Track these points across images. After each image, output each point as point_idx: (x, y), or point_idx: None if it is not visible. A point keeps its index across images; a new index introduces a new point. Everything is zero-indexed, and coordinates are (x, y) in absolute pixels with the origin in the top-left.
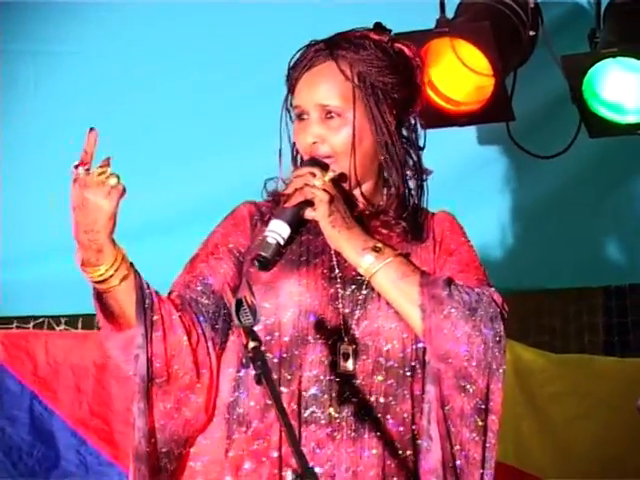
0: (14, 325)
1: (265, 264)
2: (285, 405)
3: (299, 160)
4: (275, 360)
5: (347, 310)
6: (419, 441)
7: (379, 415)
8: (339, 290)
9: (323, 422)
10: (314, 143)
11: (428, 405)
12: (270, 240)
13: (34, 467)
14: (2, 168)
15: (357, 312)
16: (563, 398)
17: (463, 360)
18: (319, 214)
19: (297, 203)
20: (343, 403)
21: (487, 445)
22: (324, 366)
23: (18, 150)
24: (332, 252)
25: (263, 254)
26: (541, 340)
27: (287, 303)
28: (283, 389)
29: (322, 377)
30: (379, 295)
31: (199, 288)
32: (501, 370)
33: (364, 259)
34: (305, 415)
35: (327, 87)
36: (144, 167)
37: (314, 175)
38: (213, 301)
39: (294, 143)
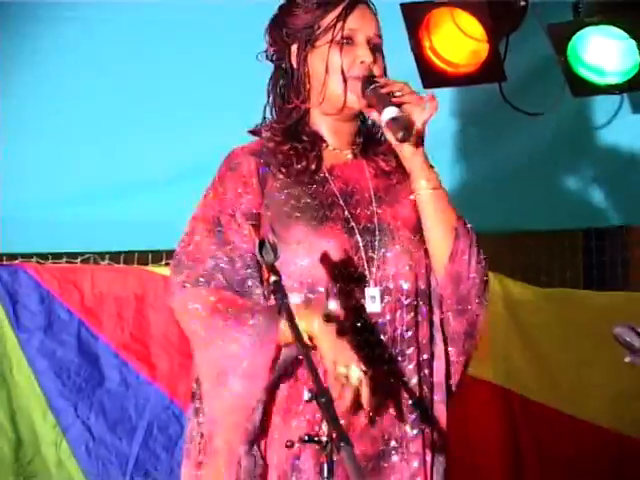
0: (64, 260)
1: (409, 132)
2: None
3: (339, 73)
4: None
5: (367, 257)
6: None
7: (405, 347)
8: (358, 239)
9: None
10: (371, 63)
11: (433, 330)
12: (400, 117)
13: (81, 385)
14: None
15: (376, 258)
16: (548, 326)
17: (468, 284)
18: (423, 118)
19: (399, 101)
20: (374, 341)
21: (465, 366)
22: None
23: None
24: (341, 203)
25: (406, 124)
26: (528, 276)
27: (321, 258)
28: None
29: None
30: (391, 240)
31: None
32: (485, 303)
33: (423, 178)
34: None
35: (375, 25)
36: (145, 124)
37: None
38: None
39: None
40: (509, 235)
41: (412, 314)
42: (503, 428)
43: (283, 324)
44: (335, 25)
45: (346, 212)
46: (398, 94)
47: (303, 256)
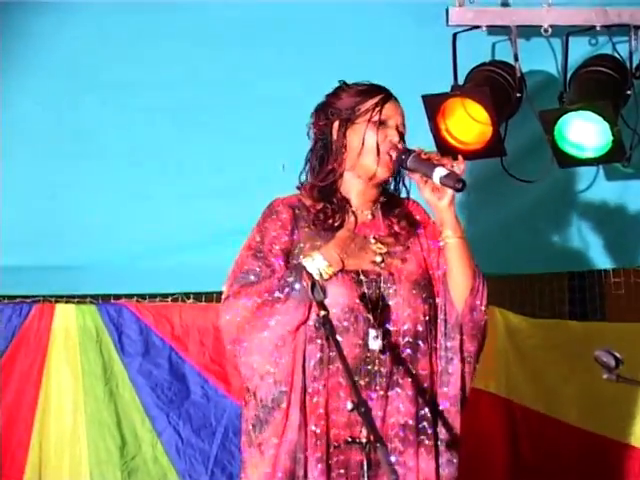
0: (157, 299)
1: (464, 182)
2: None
3: (373, 147)
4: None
5: (372, 305)
6: (444, 378)
7: (399, 378)
8: (365, 290)
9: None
10: (398, 142)
11: (450, 352)
12: (452, 173)
13: (172, 398)
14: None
15: (380, 306)
16: (541, 349)
17: (481, 314)
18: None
19: (438, 163)
20: (376, 372)
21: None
22: (360, 347)
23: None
24: None
25: (461, 179)
26: (524, 310)
27: (333, 302)
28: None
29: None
30: (394, 291)
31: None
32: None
33: (452, 229)
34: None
35: (402, 116)
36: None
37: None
38: None
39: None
40: (509, 277)
41: (409, 351)
42: (505, 431)
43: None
44: (374, 109)
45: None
46: (436, 159)
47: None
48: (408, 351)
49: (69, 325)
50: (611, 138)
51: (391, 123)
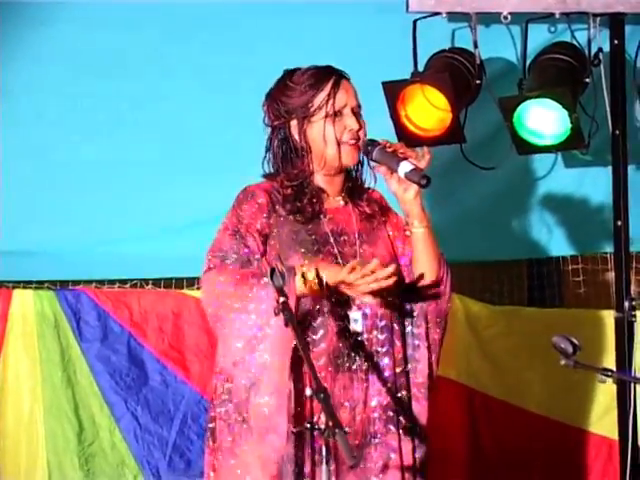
0: (116, 285)
1: (429, 178)
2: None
3: (334, 141)
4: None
5: None
6: (408, 366)
7: (379, 360)
8: None
9: (346, 369)
10: (357, 129)
11: (416, 339)
12: (417, 168)
13: (130, 384)
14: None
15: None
16: (500, 336)
17: (445, 300)
18: (422, 167)
19: (403, 156)
20: (356, 354)
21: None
22: (341, 329)
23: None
24: (332, 241)
25: (425, 174)
26: (484, 296)
27: None
28: (314, 349)
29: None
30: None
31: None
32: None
33: (418, 219)
34: (337, 365)
35: (355, 95)
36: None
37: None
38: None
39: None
40: (469, 264)
41: (386, 334)
42: (465, 418)
43: (297, 279)
44: (327, 103)
45: (335, 249)
46: (401, 151)
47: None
48: (386, 334)
49: (27, 311)
50: (570, 125)
51: (347, 111)
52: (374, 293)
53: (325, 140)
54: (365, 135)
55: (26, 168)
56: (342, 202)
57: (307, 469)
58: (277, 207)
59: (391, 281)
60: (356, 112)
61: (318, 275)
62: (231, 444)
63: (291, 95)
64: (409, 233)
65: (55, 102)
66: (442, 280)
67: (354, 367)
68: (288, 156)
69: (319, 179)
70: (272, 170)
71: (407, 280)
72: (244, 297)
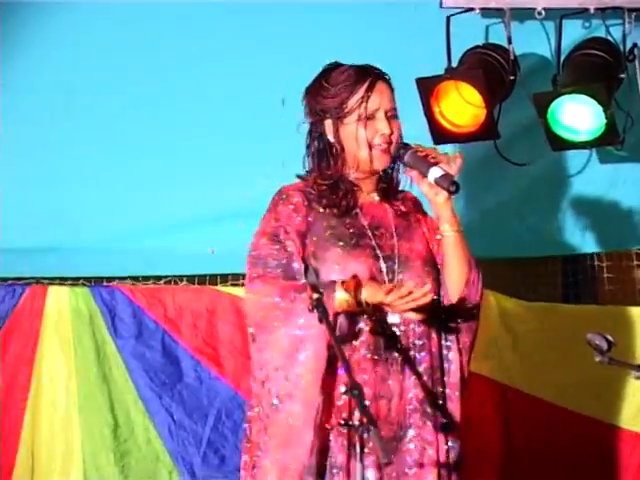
0: (151, 282)
1: (458, 186)
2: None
3: (365, 144)
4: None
5: (388, 279)
6: (444, 364)
7: (416, 353)
8: (382, 265)
9: (384, 361)
10: (389, 133)
11: (447, 341)
12: (447, 175)
13: (165, 380)
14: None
15: (395, 280)
16: (534, 333)
17: (475, 304)
18: (453, 173)
19: (435, 161)
20: (393, 346)
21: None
22: (379, 322)
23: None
24: (369, 234)
25: (454, 180)
26: (518, 293)
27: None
28: (355, 342)
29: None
30: (407, 267)
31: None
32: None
33: (449, 224)
34: (375, 358)
35: (390, 98)
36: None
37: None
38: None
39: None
40: (503, 261)
41: (423, 327)
42: (498, 414)
43: (337, 295)
44: (360, 106)
45: (373, 242)
46: (432, 156)
47: (338, 273)
48: (422, 327)
49: (62, 307)
50: (604, 121)
51: (380, 115)
52: (414, 309)
53: (357, 143)
54: (400, 138)
55: (52, 164)
56: (377, 197)
57: (341, 460)
58: (313, 204)
59: (429, 298)
60: (390, 116)
61: (356, 293)
62: (263, 445)
63: (326, 95)
64: (439, 237)
65: (55, 101)
66: (472, 284)
67: (391, 359)
68: (323, 154)
69: (353, 178)
70: (309, 166)
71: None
72: (288, 310)
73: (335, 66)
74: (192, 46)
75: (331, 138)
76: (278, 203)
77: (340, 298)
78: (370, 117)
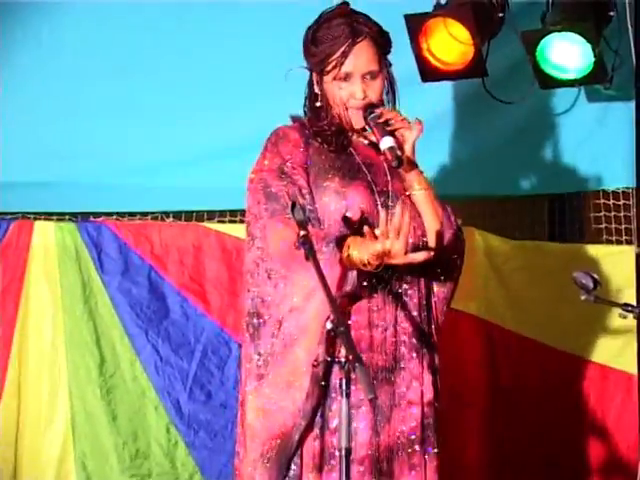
0: (137, 218)
1: (401, 161)
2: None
3: (341, 104)
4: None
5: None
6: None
7: (408, 287)
8: (377, 197)
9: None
10: (363, 97)
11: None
12: (395, 147)
13: (151, 316)
14: None
15: (389, 214)
16: (520, 271)
17: (450, 256)
18: (411, 139)
19: (392, 129)
20: (388, 278)
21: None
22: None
23: None
24: (364, 170)
25: (398, 154)
26: (504, 232)
27: (352, 204)
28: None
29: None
30: (399, 203)
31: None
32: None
33: (416, 182)
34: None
35: (369, 58)
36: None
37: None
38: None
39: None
40: (489, 199)
41: (412, 268)
42: (484, 351)
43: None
44: (334, 68)
45: (368, 177)
46: (392, 122)
47: (338, 201)
48: (411, 267)
49: (48, 243)
50: (593, 59)
51: (356, 77)
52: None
53: (334, 102)
54: (377, 100)
55: (44, 98)
56: (366, 141)
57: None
58: (310, 140)
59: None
60: (369, 75)
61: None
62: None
63: (312, 48)
64: (409, 194)
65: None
66: (440, 238)
67: (386, 290)
68: (312, 103)
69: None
70: (304, 110)
71: None
72: (301, 259)
73: (334, 14)
74: None
75: (317, 90)
76: (277, 142)
77: (355, 257)
78: (346, 78)
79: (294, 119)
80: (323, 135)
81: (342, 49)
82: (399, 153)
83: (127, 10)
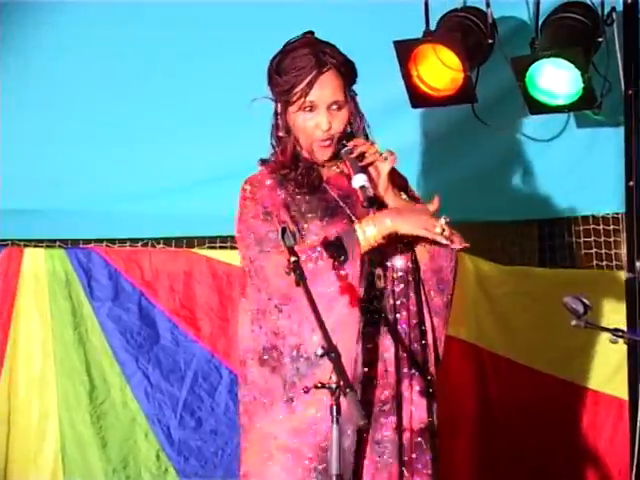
0: (127, 244)
1: (374, 201)
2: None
3: (307, 136)
4: None
5: None
6: (423, 327)
7: (400, 313)
8: None
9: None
10: (328, 128)
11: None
12: (366, 187)
13: (141, 343)
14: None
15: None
16: (510, 296)
17: (448, 273)
18: (385, 171)
19: (366, 164)
20: (381, 310)
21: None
22: (367, 282)
23: None
24: (342, 205)
25: (369, 196)
26: (495, 257)
27: None
28: None
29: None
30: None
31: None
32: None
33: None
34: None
35: (334, 89)
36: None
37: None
38: None
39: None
40: (480, 224)
41: (402, 286)
42: (474, 376)
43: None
44: (299, 99)
45: (348, 211)
46: (365, 155)
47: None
48: (401, 286)
49: (38, 269)
50: (582, 85)
51: (321, 107)
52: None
53: (300, 133)
54: (342, 131)
55: (33, 124)
56: (338, 170)
57: None
58: (284, 183)
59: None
60: (335, 105)
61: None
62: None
63: (277, 78)
64: None
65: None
66: (434, 255)
67: (380, 321)
68: (277, 135)
69: (309, 157)
70: (272, 142)
71: None
72: (314, 270)
73: (299, 44)
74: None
75: (279, 121)
76: (253, 190)
77: (366, 236)
78: (311, 109)
79: (263, 162)
80: (294, 179)
81: (307, 79)
82: (370, 193)
83: (119, 38)
